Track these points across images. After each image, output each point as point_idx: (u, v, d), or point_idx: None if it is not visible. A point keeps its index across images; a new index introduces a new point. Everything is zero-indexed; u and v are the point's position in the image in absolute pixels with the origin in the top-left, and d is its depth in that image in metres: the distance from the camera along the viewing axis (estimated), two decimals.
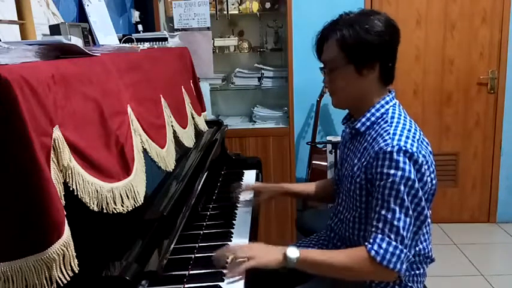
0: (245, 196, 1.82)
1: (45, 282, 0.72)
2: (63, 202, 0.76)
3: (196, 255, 1.36)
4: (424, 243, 1.37)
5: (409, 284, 1.37)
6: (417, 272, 1.38)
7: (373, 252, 1.20)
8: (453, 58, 3.34)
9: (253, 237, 1.55)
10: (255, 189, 1.78)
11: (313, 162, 3.12)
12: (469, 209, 3.54)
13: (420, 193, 1.23)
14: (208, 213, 1.69)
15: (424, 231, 1.34)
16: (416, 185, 1.22)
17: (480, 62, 3.33)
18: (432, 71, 3.36)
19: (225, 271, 1.25)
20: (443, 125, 3.43)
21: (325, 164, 3.08)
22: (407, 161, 1.21)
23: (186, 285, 1.20)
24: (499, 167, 3.46)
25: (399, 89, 3.23)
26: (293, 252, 1.26)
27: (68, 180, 0.80)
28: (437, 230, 3.38)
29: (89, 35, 1.42)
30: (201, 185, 1.52)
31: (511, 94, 3.35)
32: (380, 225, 1.22)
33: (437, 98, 3.40)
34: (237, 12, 3.00)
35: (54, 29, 1.25)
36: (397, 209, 1.20)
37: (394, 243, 1.20)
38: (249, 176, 2.12)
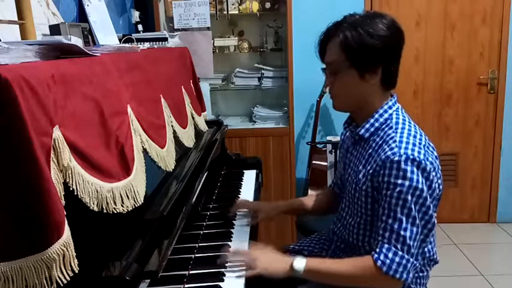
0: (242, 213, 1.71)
1: (45, 282, 0.72)
2: (63, 202, 0.76)
3: (196, 255, 1.35)
4: (429, 246, 1.37)
5: (412, 286, 1.36)
6: (421, 274, 1.38)
7: (379, 262, 1.20)
8: (453, 58, 3.33)
9: (253, 237, 1.55)
10: (253, 210, 1.68)
11: (313, 162, 3.12)
12: (469, 209, 3.54)
13: (428, 201, 1.22)
14: (208, 213, 1.69)
15: (429, 237, 1.33)
16: (425, 193, 1.20)
17: (480, 62, 3.33)
18: (432, 71, 3.36)
19: (227, 274, 1.25)
20: (443, 125, 3.43)
21: (325, 164, 3.08)
22: (415, 170, 1.20)
23: (186, 285, 1.20)
24: (499, 167, 3.46)
25: (399, 89, 3.22)
26: (300, 263, 1.26)
27: (68, 180, 0.80)
28: (438, 230, 3.34)
29: (89, 35, 1.42)
30: (201, 185, 1.52)
31: (511, 94, 3.35)
32: (386, 234, 1.21)
33: (437, 98, 3.40)
34: (237, 12, 3.00)
35: (54, 29, 1.25)
36: (404, 218, 1.19)
37: (400, 253, 1.19)
38: (249, 176, 2.12)
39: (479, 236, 3.36)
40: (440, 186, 1.29)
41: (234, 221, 1.62)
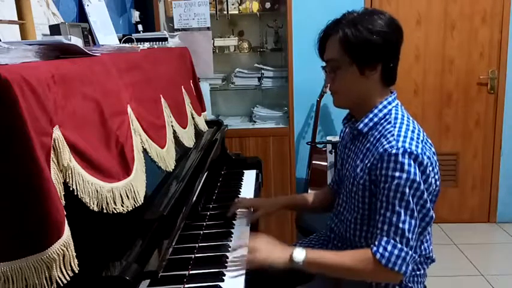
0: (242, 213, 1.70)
1: (45, 282, 0.72)
2: (63, 202, 0.76)
3: (196, 255, 1.35)
4: (426, 244, 1.37)
5: (410, 285, 1.37)
6: (418, 272, 1.38)
7: (378, 255, 1.20)
8: (453, 58, 3.34)
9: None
10: (252, 206, 1.69)
11: (313, 162, 3.12)
12: (469, 209, 3.54)
13: (425, 195, 1.23)
14: (208, 213, 1.69)
15: (426, 231, 1.34)
16: (422, 187, 1.21)
17: (480, 62, 3.33)
18: (432, 71, 3.36)
19: (227, 274, 1.25)
20: (443, 125, 3.43)
21: (325, 164, 3.08)
22: (412, 163, 1.21)
23: (186, 285, 1.20)
24: (499, 167, 3.46)
25: (399, 89, 3.22)
26: (300, 254, 1.26)
27: (68, 180, 0.80)
28: (438, 230, 3.38)
29: (89, 35, 1.42)
30: (201, 185, 1.52)
31: (511, 94, 3.35)
32: (385, 227, 1.21)
33: (437, 98, 3.40)
34: (237, 12, 3.00)
35: (54, 29, 1.25)
36: (402, 211, 1.20)
37: (399, 245, 1.20)
38: (249, 176, 2.12)
39: (479, 236, 3.36)
40: (438, 182, 1.30)
41: (234, 221, 1.62)
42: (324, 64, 1.39)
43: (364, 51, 1.27)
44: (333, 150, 2.99)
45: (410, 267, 1.22)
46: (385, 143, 1.25)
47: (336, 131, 3.38)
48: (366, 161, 1.30)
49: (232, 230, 1.54)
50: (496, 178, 3.48)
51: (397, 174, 1.20)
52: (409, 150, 1.21)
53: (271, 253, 1.29)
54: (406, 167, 1.20)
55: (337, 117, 3.31)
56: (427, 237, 1.37)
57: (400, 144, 1.22)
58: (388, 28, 1.28)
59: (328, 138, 3.15)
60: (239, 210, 1.68)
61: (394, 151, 1.21)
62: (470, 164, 3.47)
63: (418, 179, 1.21)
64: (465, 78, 3.36)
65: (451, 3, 3.25)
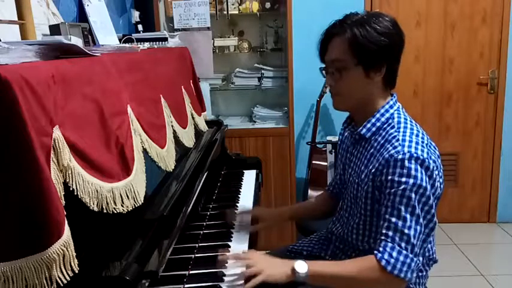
0: (242, 217, 1.67)
1: (45, 282, 0.72)
2: (63, 202, 0.76)
3: (196, 255, 1.35)
4: (429, 245, 1.37)
5: (411, 286, 1.36)
6: (420, 274, 1.37)
7: (383, 262, 1.18)
8: (453, 58, 3.33)
9: (253, 237, 1.55)
10: (254, 216, 1.65)
11: (313, 162, 3.12)
12: (469, 209, 3.54)
13: (431, 200, 1.21)
14: (208, 213, 1.69)
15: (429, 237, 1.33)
16: (428, 192, 1.20)
17: (480, 62, 3.33)
18: (432, 71, 3.36)
19: (227, 274, 1.25)
20: (443, 125, 3.43)
21: (325, 164, 3.08)
22: (419, 168, 1.20)
23: (186, 285, 1.20)
24: (499, 167, 3.46)
25: (399, 89, 3.22)
26: (302, 267, 1.22)
27: (68, 180, 0.80)
28: (438, 230, 3.36)
29: (89, 35, 1.42)
30: (201, 185, 1.52)
31: (511, 94, 3.35)
32: (390, 233, 1.20)
33: (437, 98, 3.40)
34: (237, 12, 3.00)
35: (54, 29, 1.25)
36: (408, 216, 1.19)
37: (404, 252, 1.18)
38: (249, 176, 2.12)
39: (479, 236, 3.35)
40: (442, 185, 1.29)
41: (234, 221, 1.61)
42: (322, 65, 1.37)
43: (372, 52, 1.26)
44: (333, 150, 2.99)
45: (415, 274, 1.20)
46: (390, 148, 1.24)
47: (336, 131, 3.37)
48: (370, 167, 1.28)
49: (232, 230, 1.54)
50: (496, 178, 3.48)
51: (403, 179, 1.19)
52: (415, 155, 1.20)
53: (272, 268, 1.23)
54: (412, 172, 1.19)
55: (337, 117, 3.31)
56: (431, 238, 1.35)
57: (406, 149, 1.21)
58: (394, 30, 1.28)
59: (328, 138, 3.15)
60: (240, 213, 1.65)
61: (400, 156, 1.20)
62: (470, 164, 3.47)
63: (424, 184, 1.19)
64: (465, 78, 3.36)
65: (451, 3, 3.25)
